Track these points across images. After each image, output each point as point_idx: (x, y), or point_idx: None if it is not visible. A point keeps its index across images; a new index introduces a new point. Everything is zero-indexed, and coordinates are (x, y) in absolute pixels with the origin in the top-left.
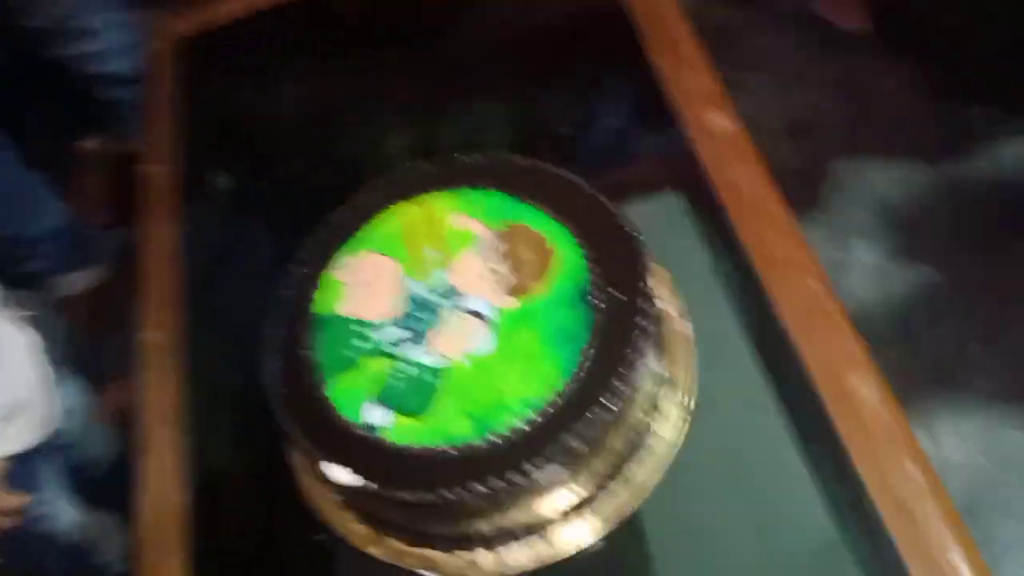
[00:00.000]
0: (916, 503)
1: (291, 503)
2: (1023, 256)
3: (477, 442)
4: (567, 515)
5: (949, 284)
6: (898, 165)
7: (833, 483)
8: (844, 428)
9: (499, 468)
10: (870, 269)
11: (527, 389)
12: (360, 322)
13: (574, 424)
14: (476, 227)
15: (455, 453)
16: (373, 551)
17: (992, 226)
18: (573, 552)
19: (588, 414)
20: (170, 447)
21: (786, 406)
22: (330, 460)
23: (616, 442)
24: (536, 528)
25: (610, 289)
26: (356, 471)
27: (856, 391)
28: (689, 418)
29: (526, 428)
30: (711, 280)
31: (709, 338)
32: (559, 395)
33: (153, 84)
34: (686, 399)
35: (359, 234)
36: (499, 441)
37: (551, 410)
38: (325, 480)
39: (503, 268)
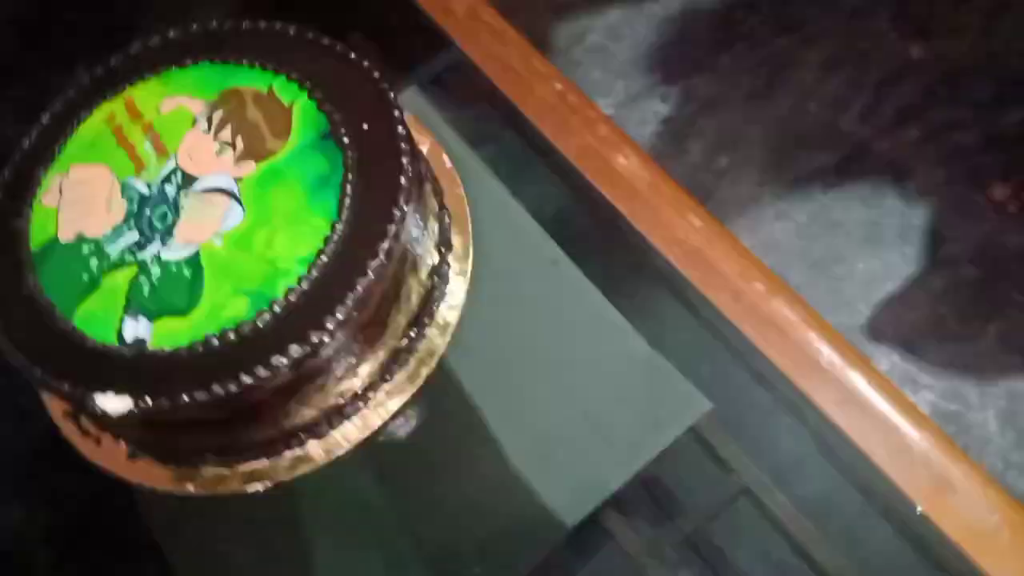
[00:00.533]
0: (703, 244)
1: (79, 477)
2: (737, 66)
3: (261, 318)
4: (386, 372)
5: (685, 111)
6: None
7: (624, 264)
8: (616, 199)
9: (297, 333)
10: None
11: (297, 247)
12: (87, 240)
13: (364, 262)
14: (190, 104)
15: (239, 336)
16: (190, 489)
17: (704, 49)
18: (400, 408)
19: (376, 248)
20: None
21: (561, 206)
22: (99, 391)
23: (415, 282)
24: (360, 397)
25: (357, 124)
26: (133, 394)
27: (624, 168)
28: (472, 251)
29: (308, 287)
30: (458, 110)
31: (468, 166)
32: (333, 241)
33: None
34: (469, 230)
35: (61, 153)
36: (285, 308)
37: (328, 259)
38: (104, 424)
39: (232, 136)
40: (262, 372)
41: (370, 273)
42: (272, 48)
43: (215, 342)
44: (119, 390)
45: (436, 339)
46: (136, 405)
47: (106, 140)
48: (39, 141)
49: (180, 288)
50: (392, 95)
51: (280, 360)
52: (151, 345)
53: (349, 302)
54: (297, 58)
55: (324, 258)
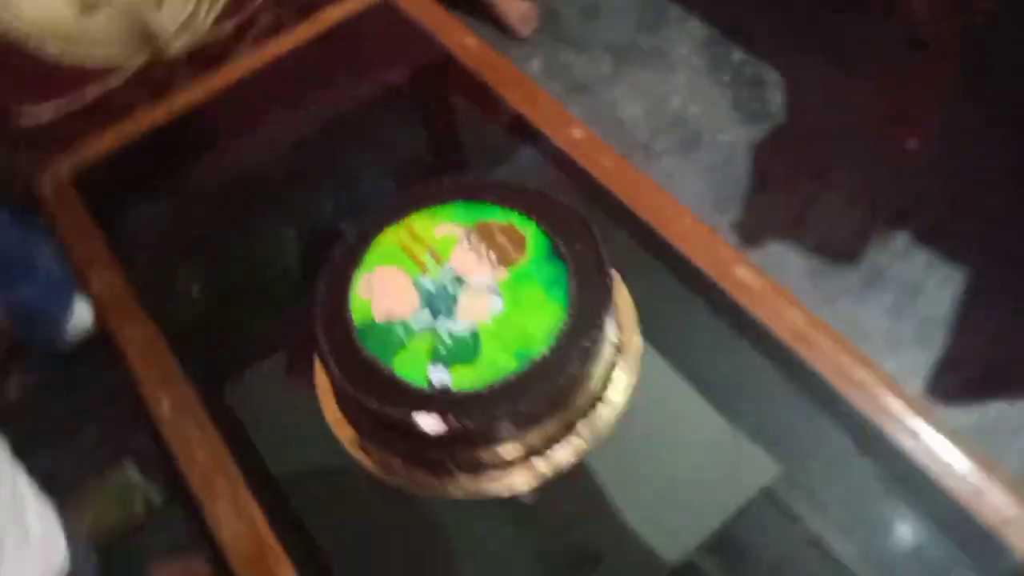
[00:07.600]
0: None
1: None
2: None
3: (524, 369)
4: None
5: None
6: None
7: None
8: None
9: (557, 374)
10: None
11: (546, 323)
12: (396, 319)
13: (589, 330)
14: (455, 230)
15: (514, 378)
16: (452, 493)
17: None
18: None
19: (596, 319)
20: (230, 486)
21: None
22: (418, 413)
23: (608, 351)
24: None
25: (573, 246)
26: (443, 417)
27: (743, 278)
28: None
29: (551, 350)
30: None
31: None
32: (570, 318)
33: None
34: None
35: (365, 260)
36: (539, 364)
37: (567, 328)
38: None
39: (486, 252)
40: (531, 402)
41: (594, 337)
42: (506, 194)
43: (495, 385)
44: (432, 413)
45: (608, 412)
46: (447, 424)
47: (396, 252)
48: (347, 252)
49: (467, 349)
50: (593, 228)
51: (543, 387)
52: (452, 387)
53: (582, 355)
54: (526, 202)
55: (566, 328)
